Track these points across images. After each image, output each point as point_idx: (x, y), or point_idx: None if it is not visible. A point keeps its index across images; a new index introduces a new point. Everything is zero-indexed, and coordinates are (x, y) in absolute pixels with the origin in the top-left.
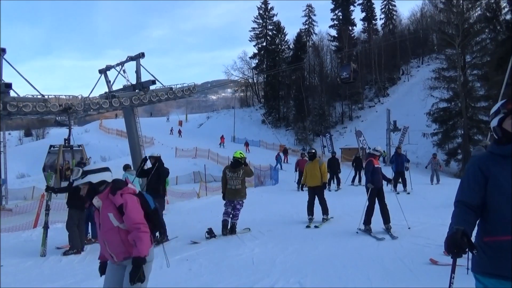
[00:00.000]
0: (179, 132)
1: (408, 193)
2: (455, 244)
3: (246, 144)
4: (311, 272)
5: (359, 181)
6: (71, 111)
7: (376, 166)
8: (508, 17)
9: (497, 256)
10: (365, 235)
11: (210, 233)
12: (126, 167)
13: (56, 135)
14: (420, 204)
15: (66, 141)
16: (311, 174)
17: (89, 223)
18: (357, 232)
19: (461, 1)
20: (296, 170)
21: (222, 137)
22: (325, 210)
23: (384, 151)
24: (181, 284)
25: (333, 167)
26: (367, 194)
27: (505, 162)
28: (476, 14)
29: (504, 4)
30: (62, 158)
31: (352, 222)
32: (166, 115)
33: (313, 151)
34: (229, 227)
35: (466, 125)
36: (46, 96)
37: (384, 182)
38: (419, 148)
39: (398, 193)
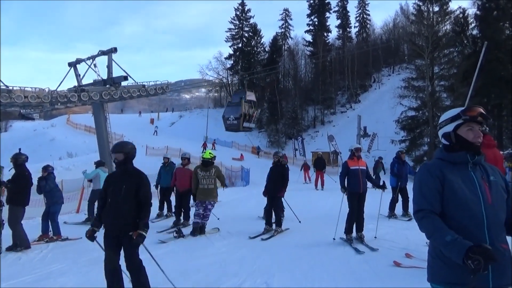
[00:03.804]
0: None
1: (410, 219)
2: (488, 256)
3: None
4: (278, 273)
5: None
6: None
7: (352, 168)
8: (474, 32)
9: (457, 264)
10: (336, 241)
11: (179, 233)
12: (99, 164)
13: (20, 128)
14: (387, 209)
15: (242, 98)
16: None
17: (49, 221)
18: (333, 239)
19: (432, 15)
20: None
21: None
22: None
23: (355, 148)
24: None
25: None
26: (347, 199)
27: (457, 170)
28: (445, 28)
29: (472, 20)
30: (243, 108)
31: (322, 226)
32: (137, 112)
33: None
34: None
35: (432, 133)
36: (10, 87)
37: (370, 186)
38: (388, 154)
39: (408, 219)
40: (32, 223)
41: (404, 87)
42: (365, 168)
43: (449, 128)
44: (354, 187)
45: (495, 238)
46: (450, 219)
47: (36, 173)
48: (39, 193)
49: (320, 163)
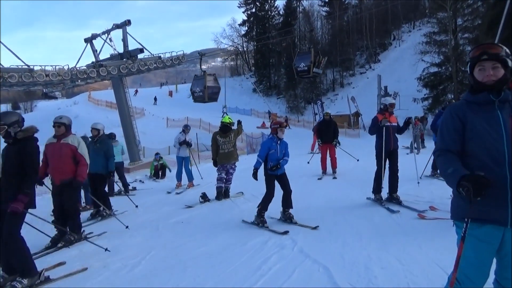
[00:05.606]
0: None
1: None
2: (479, 183)
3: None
4: (302, 229)
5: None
6: None
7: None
8: None
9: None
10: (362, 201)
11: (204, 198)
12: (108, 137)
13: (45, 107)
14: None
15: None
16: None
17: (82, 191)
18: (367, 198)
19: None
20: None
21: None
22: None
23: (389, 104)
24: (176, 243)
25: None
26: (376, 157)
27: (480, 109)
28: None
29: None
30: (312, 56)
31: (342, 184)
32: (159, 85)
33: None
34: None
35: (456, 89)
36: (31, 66)
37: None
38: (410, 113)
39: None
40: None
41: (425, 42)
42: (396, 124)
43: (468, 71)
44: (385, 144)
45: None
46: (472, 157)
47: None
48: None
49: (328, 130)
